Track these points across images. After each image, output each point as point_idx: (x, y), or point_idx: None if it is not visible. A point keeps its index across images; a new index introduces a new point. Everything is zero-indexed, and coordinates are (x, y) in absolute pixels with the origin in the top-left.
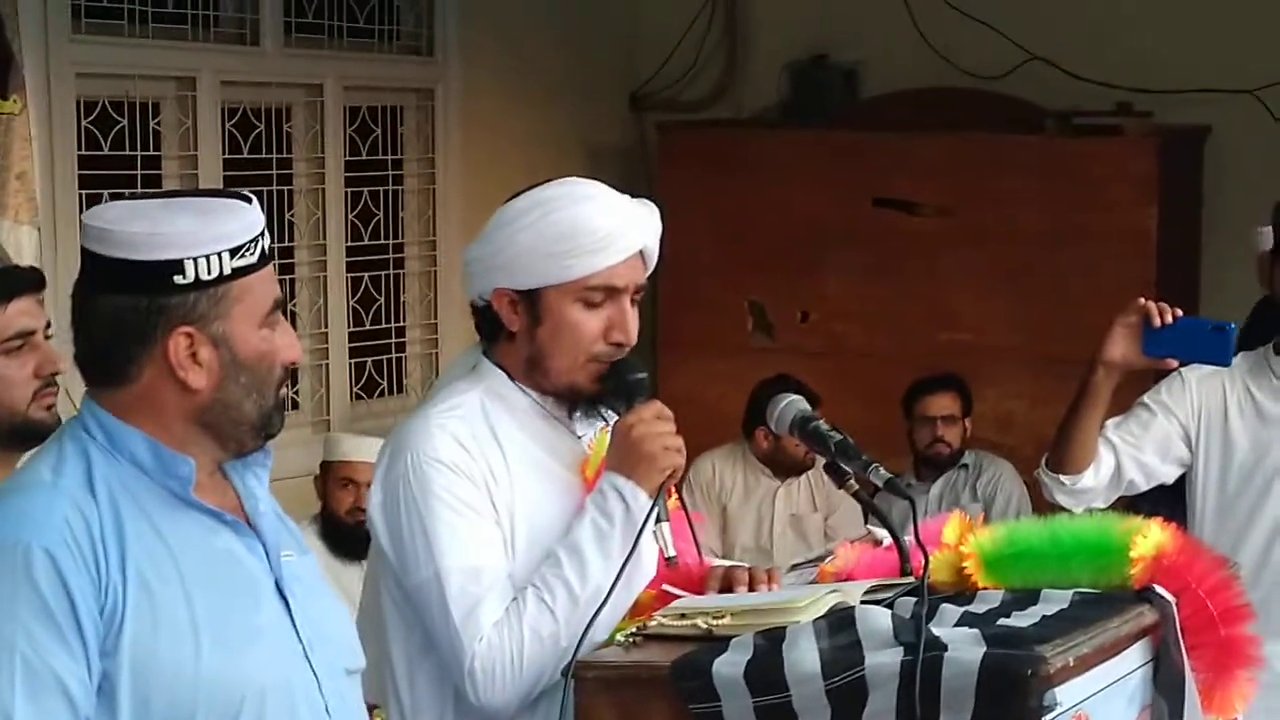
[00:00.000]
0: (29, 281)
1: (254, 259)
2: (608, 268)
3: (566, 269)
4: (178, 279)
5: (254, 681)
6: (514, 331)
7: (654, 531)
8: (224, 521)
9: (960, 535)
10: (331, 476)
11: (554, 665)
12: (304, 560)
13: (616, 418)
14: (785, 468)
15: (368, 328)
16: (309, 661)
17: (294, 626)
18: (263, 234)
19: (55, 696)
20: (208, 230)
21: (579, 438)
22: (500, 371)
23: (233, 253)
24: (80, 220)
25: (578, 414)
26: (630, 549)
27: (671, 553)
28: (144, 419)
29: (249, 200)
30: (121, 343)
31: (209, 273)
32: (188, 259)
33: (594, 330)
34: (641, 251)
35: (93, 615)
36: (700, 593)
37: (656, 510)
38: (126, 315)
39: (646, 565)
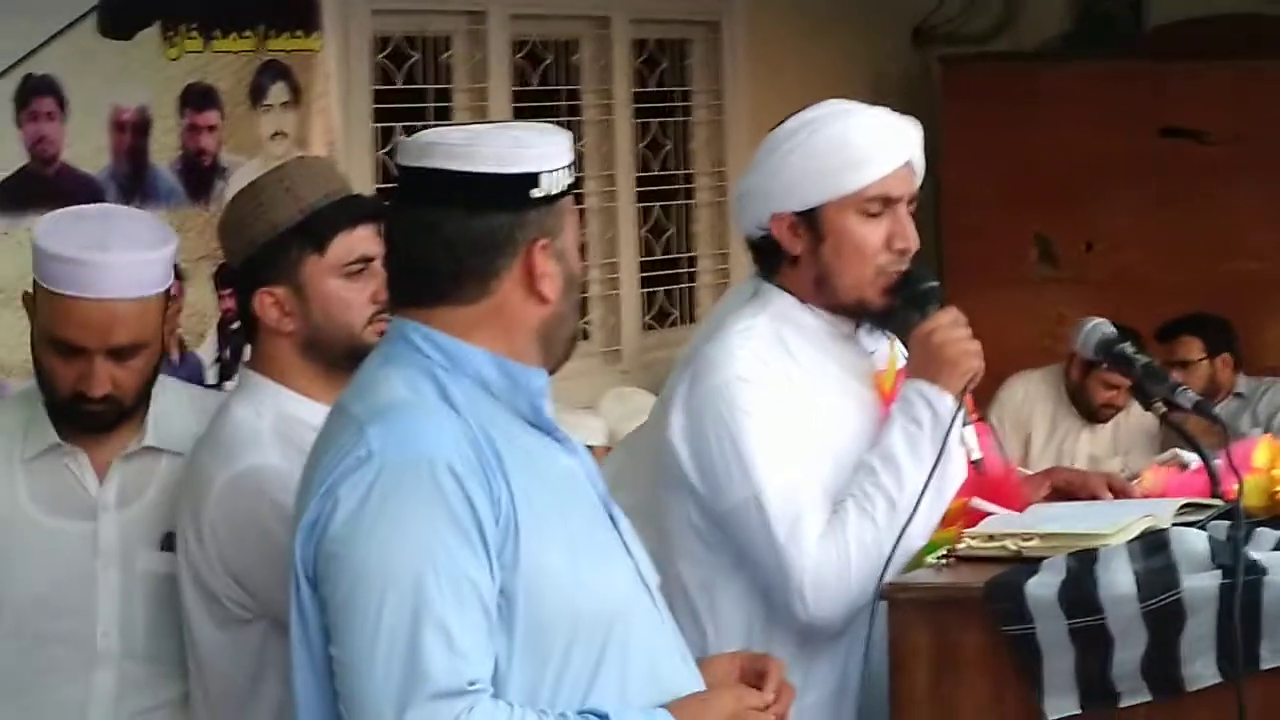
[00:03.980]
0: (372, 209)
1: (573, 179)
2: (880, 178)
3: (841, 183)
4: (534, 192)
5: (621, 598)
6: (796, 255)
7: (959, 436)
8: (558, 440)
9: (1272, 459)
10: None
11: (879, 574)
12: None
13: (904, 333)
14: (1086, 410)
15: (659, 257)
16: (641, 577)
17: (624, 544)
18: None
19: (475, 605)
20: (552, 145)
21: (870, 353)
22: (785, 294)
23: (567, 169)
24: (397, 145)
25: (863, 330)
26: (940, 451)
27: (978, 455)
28: (490, 336)
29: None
30: (481, 258)
31: (555, 187)
32: (543, 172)
33: (877, 241)
34: (910, 163)
35: (493, 528)
36: (1008, 496)
37: (961, 413)
38: (494, 229)
39: (956, 468)
